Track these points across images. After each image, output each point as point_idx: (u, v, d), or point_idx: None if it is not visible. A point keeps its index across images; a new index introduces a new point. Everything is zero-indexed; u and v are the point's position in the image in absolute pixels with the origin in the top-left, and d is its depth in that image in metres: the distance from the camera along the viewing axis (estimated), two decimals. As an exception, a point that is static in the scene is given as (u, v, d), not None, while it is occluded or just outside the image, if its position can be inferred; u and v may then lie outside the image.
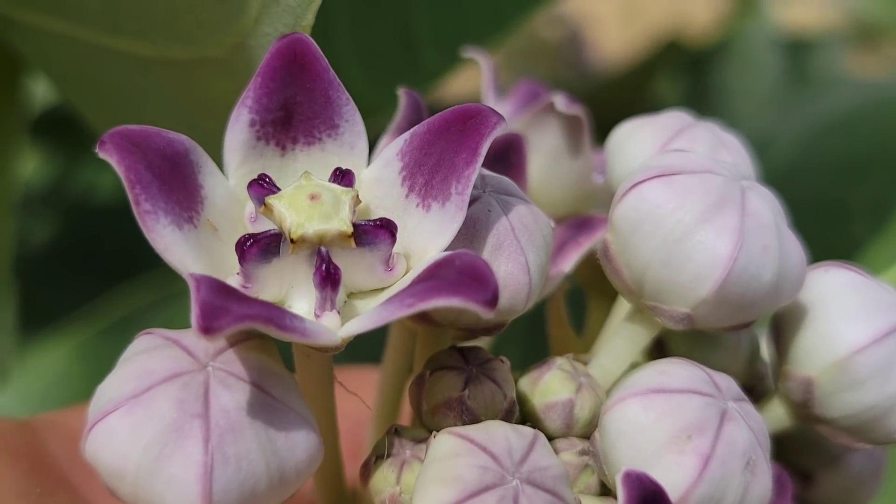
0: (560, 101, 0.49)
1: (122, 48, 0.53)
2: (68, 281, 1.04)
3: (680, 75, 1.31)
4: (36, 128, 1.17)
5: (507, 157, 0.44)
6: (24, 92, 0.76)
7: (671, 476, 0.33)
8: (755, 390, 0.43)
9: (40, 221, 1.15)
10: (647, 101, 1.23)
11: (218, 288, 0.30)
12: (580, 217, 0.46)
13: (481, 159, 0.34)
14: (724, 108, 1.22)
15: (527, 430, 0.34)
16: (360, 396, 0.40)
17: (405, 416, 0.44)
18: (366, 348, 0.36)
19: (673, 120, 0.44)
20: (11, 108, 0.75)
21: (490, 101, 0.52)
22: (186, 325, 0.34)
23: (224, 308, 0.29)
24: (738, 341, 0.42)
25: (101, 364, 0.81)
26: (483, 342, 0.45)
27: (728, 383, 0.36)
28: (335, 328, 0.33)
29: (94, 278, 0.96)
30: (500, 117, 0.35)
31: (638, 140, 0.43)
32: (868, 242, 0.87)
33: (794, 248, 0.37)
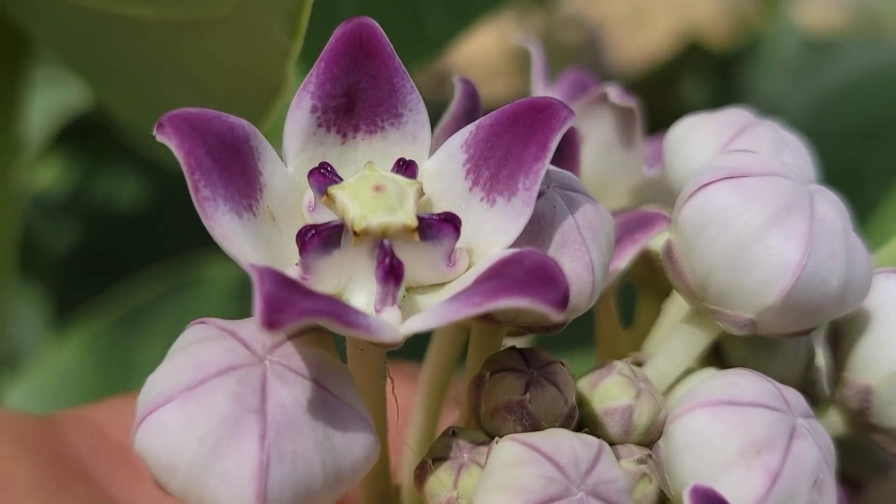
0: (613, 93, 0.48)
1: (125, 12, 0.52)
2: (89, 287, 1.04)
3: (706, 78, 1.30)
4: (57, 136, 1.17)
5: (561, 148, 0.43)
6: (27, 80, 0.76)
7: (738, 491, 0.32)
8: (807, 395, 0.42)
9: (61, 228, 1.15)
10: (673, 103, 1.22)
11: (282, 281, 0.29)
12: (636, 212, 0.45)
13: (551, 154, 0.33)
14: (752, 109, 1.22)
15: (592, 440, 0.33)
16: (405, 393, 0.39)
17: (447, 412, 0.44)
18: (406, 343, 0.35)
19: (735, 117, 0.43)
20: (13, 98, 0.74)
21: (540, 89, 0.51)
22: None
23: (289, 302, 0.28)
24: (798, 347, 0.41)
25: (113, 356, 0.82)
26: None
27: (797, 399, 0.35)
28: (396, 324, 0.32)
29: (114, 283, 0.96)
30: (571, 112, 0.34)
31: (699, 137, 0.42)
32: (882, 206, 0.87)
33: (861, 253, 0.36)
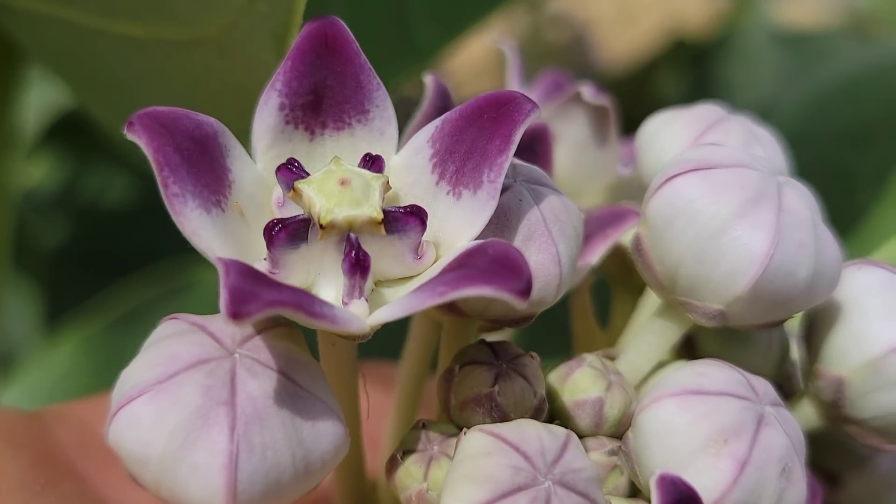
0: (587, 91, 0.48)
1: (116, 30, 0.53)
2: (80, 284, 1.04)
3: (681, 72, 1.30)
4: (46, 133, 1.17)
5: (533, 146, 0.43)
6: (22, 84, 0.76)
7: (706, 480, 0.32)
8: (782, 390, 0.42)
9: (51, 225, 1.15)
10: (651, 98, 1.22)
11: (247, 273, 0.29)
12: (608, 208, 0.45)
13: (514, 147, 0.33)
14: (727, 103, 1.21)
15: (559, 430, 0.33)
16: (379, 390, 0.39)
17: (423, 410, 0.44)
18: (381, 343, 0.35)
19: (706, 112, 0.43)
20: (9, 101, 0.74)
21: (515, 89, 0.51)
22: None
23: (253, 293, 0.28)
24: (770, 340, 0.41)
25: (108, 358, 0.81)
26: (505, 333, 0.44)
27: (765, 387, 0.35)
28: (364, 316, 0.32)
29: (106, 281, 0.96)
30: (534, 104, 0.34)
31: (670, 133, 0.43)
32: (874, 209, 0.86)
33: (830, 244, 0.36)
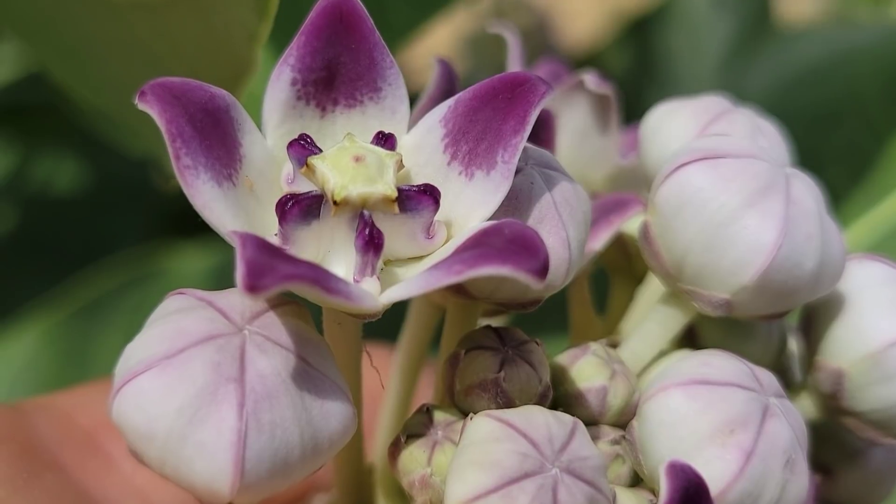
0: (590, 80, 0.48)
1: (94, -6, 0.52)
2: (28, 273, 1.02)
3: (624, 45, 1.31)
4: None
5: (537, 132, 0.43)
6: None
7: (712, 469, 0.32)
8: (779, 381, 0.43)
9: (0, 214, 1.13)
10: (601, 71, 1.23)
11: (263, 246, 0.29)
12: (612, 196, 0.45)
13: (530, 128, 0.33)
14: (671, 70, 1.21)
15: (567, 418, 0.33)
16: (379, 372, 0.39)
17: (419, 394, 0.43)
18: (377, 326, 0.35)
19: (711, 104, 0.43)
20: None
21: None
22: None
23: (270, 266, 0.28)
24: (770, 332, 0.41)
25: (70, 348, 0.81)
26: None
27: (769, 379, 0.35)
28: (376, 294, 0.32)
29: (54, 270, 0.95)
30: (549, 86, 0.34)
31: (676, 123, 0.43)
32: (843, 190, 0.87)
33: (836, 237, 0.36)
